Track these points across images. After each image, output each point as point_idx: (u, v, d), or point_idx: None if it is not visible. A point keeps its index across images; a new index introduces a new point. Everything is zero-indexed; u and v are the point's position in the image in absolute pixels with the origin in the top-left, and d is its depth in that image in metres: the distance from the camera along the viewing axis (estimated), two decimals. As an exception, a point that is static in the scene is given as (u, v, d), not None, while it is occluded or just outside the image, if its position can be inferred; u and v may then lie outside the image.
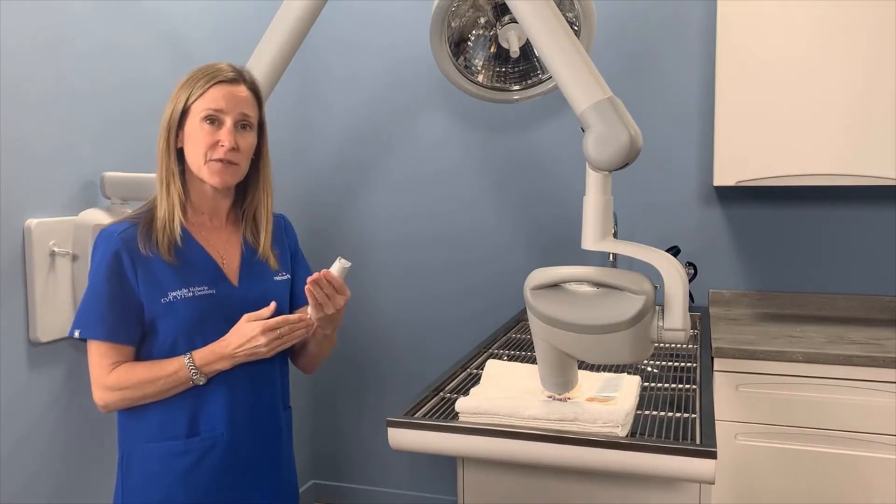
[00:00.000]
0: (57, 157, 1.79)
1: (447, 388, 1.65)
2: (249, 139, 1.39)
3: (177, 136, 1.37)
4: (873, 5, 2.07)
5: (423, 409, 1.50)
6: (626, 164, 1.25)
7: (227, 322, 1.36)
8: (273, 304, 1.37)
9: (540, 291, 1.26)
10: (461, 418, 1.41)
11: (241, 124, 1.37)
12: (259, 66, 1.57)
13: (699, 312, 2.40)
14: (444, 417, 1.45)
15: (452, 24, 1.98)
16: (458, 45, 2.04)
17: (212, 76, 1.35)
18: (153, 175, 1.83)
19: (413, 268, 2.88)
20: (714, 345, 2.02)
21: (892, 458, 1.93)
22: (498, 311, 2.76)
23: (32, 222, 1.71)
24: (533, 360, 1.83)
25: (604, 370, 1.67)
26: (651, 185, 2.60)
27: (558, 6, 1.86)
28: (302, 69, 2.92)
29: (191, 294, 1.35)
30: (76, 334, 1.33)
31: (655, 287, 1.22)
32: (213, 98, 1.34)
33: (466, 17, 2.01)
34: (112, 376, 1.32)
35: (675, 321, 1.22)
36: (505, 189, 2.77)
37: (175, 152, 1.38)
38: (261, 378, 1.43)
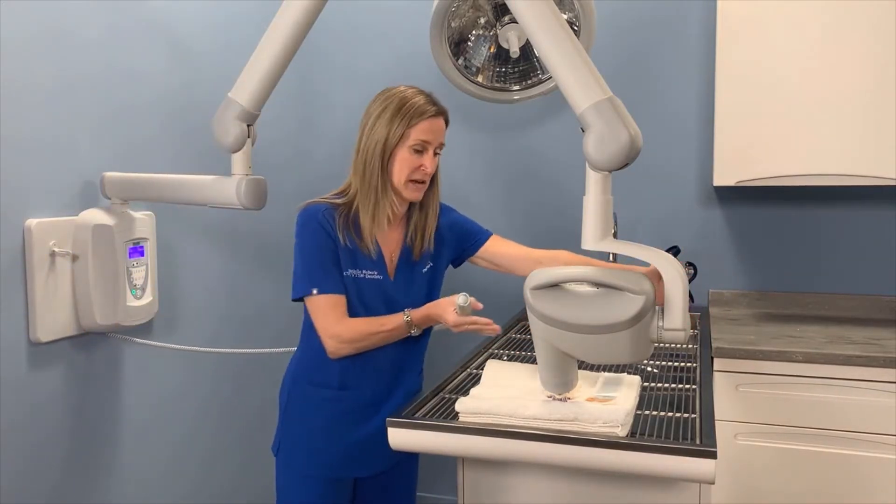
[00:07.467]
0: (57, 156, 1.79)
1: (447, 388, 1.64)
2: (437, 162, 1.70)
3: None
4: (874, 5, 2.07)
5: (424, 409, 1.50)
6: (627, 164, 1.25)
7: (383, 301, 1.69)
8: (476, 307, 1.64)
9: (540, 291, 1.26)
10: (461, 418, 1.41)
11: (436, 151, 1.67)
12: (259, 65, 1.57)
13: (699, 312, 2.40)
14: (444, 417, 1.45)
15: (452, 24, 1.98)
16: (458, 45, 2.04)
17: (421, 111, 1.63)
18: (153, 175, 1.85)
19: (413, 268, 2.87)
20: (714, 345, 2.02)
21: (892, 458, 1.93)
22: (498, 311, 2.76)
23: (32, 222, 1.71)
24: (533, 360, 1.83)
25: (604, 370, 1.67)
26: (651, 185, 2.60)
27: (558, 6, 1.86)
28: (302, 69, 2.92)
29: (363, 275, 1.67)
30: (314, 292, 1.61)
31: (655, 287, 1.22)
32: (423, 130, 1.63)
33: (466, 17, 2.01)
34: (343, 329, 1.62)
35: (675, 321, 1.22)
36: (504, 189, 2.76)
37: (382, 170, 1.63)
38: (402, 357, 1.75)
